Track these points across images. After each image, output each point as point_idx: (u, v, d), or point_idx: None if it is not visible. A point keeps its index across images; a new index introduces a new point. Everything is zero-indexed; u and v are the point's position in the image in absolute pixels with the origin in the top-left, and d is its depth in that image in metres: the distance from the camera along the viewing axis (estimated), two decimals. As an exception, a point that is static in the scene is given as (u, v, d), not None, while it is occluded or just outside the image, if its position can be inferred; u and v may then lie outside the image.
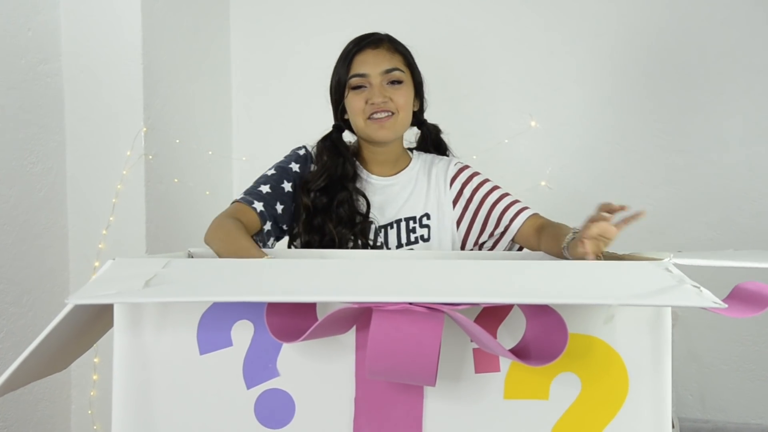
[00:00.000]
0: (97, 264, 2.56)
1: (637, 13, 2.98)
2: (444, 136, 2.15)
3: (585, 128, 3.05)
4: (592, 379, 1.04)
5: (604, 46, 3.02)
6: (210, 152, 3.04)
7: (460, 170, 2.01)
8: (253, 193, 1.87)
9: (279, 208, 1.88)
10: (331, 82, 1.98)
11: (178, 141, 2.79)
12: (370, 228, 1.92)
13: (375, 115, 1.88)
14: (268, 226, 1.85)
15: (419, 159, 2.06)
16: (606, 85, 3.03)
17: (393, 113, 1.89)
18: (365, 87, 1.89)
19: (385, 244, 1.93)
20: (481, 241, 1.97)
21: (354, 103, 1.90)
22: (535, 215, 1.91)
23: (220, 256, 1.63)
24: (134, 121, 2.57)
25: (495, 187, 1.98)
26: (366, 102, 1.88)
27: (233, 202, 1.86)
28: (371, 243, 1.90)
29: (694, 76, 2.93)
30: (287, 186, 1.91)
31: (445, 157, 2.09)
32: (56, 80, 2.55)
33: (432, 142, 2.12)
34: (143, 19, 2.57)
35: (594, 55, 3.03)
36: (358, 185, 1.96)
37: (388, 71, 1.89)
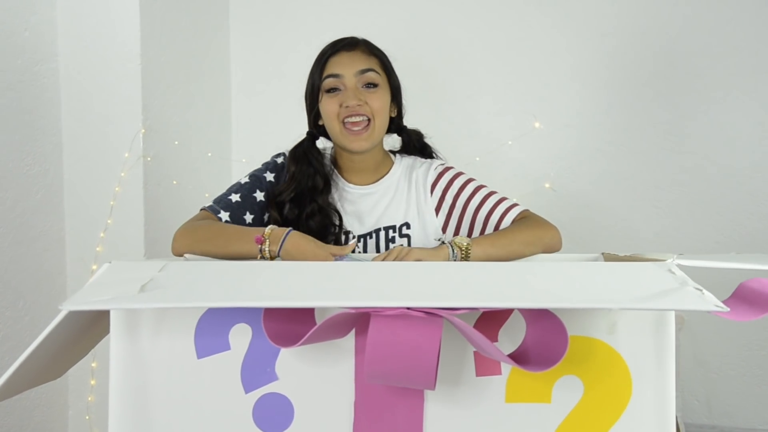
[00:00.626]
0: (94, 267, 2.56)
1: (641, 13, 2.98)
2: (429, 140, 2.10)
3: (590, 129, 3.04)
4: (594, 382, 1.04)
5: (609, 46, 3.01)
6: (209, 154, 3.05)
7: (440, 175, 1.96)
8: (221, 201, 1.85)
9: (248, 217, 1.85)
10: (306, 87, 1.95)
11: (176, 143, 2.80)
12: (343, 240, 1.90)
13: (349, 120, 1.85)
14: (248, 219, 1.85)
15: (401, 164, 2.03)
16: (611, 86, 3.02)
17: (369, 120, 1.86)
18: (339, 89, 1.86)
19: (364, 253, 1.90)
20: None
21: (328, 106, 1.87)
22: (525, 211, 1.87)
23: (211, 252, 1.65)
24: (132, 122, 2.57)
25: (478, 188, 1.93)
26: (340, 105, 1.84)
27: (201, 209, 1.84)
28: None
29: (701, 76, 2.93)
30: (259, 195, 1.89)
31: (426, 161, 2.04)
32: (53, 81, 2.56)
33: (415, 147, 2.08)
34: (141, 18, 2.57)
35: (599, 55, 3.03)
36: (334, 195, 1.94)
37: (363, 71, 1.86)
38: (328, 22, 3.22)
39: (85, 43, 2.58)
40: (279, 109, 3.26)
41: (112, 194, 2.57)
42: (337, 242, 1.88)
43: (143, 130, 2.57)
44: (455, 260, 1.62)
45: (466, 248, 1.64)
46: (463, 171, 1.99)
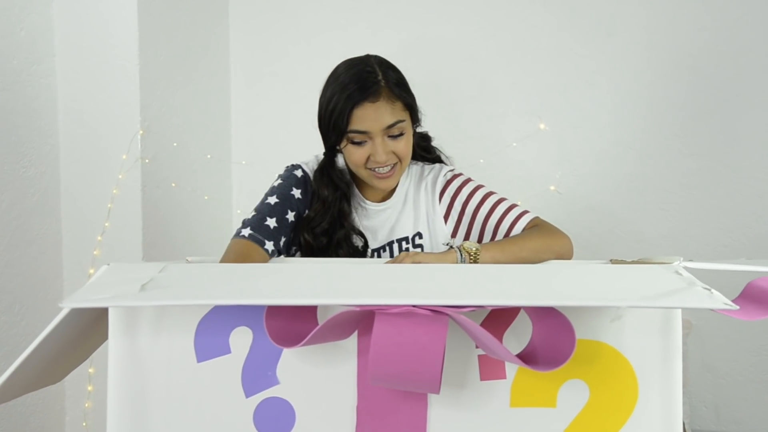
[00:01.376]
0: (91, 271, 2.57)
1: (649, 13, 2.98)
2: (435, 142, 2.09)
3: (596, 131, 3.04)
4: (600, 385, 1.05)
5: (616, 47, 3.01)
6: (208, 156, 3.05)
7: (449, 182, 1.95)
8: (260, 229, 1.80)
9: (282, 241, 1.84)
10: (323, 114, 1.87)
11: (175, 144, 2.80)
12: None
13: (377, 169, 1.83)
14: (270, 247, 1.82)
15: (410, 173, 2.02)
16: (618, 87, 3.02)
17: (396, 163, 1.84)
18: (366, 142, 1.81)
19: None
20: None
21: (355, 157, 1.83)
22: (536, 219, 1.85)
23: None
24: (130, 123, 2.58)
25: (488, 195, 1.91)
26: (368, 158, 1.82)
27: (237, 237, 1.79)
28: None
29: (709, 77, 2.93)
30: (291, 216, 1.87)
31: (435, 167, 2.03)
32: (50, 81, 2.57)
33: (421, 151, 2.06)
34: (139, 17, 2.57)
35: (606, 55, 3.03)
36: (354, 213, 1.94)
37: (390, 126, 1.80)
38: (330, 21, 3.22)
39: (82, 43, 2.58)
40: (280, 110, 3.26)
41: (110, 197, 2.57)
42: None
43: (141, 132, 2.57)
44: (470, 259, 1.63)
45: (475, 253, 1.63)
46: (472, 178, 1.98)
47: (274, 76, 3.30)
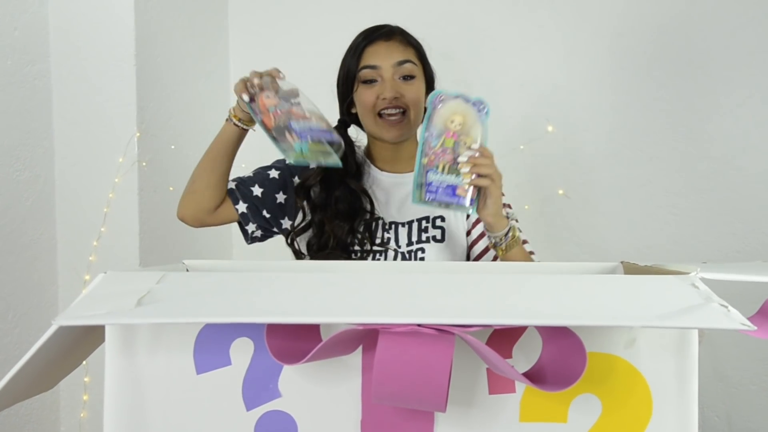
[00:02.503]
0: (87, 277, 2.56)
1: (658, 12, 2.98)
2: None
3: (605, 133, 3.04)
4: (613, 401, 1.04)
5: (625, 47, 3.01)
6: (207, 159, 3.04)
7: None
8: (244, 190, 1.96)
9: (258, 191, 1.93)
10: (339, 74, 2.00)
11: (173, 147, 2.80)
12: (374, 226, 1.94)
13: (385, 112, 1.90)
14: (242, 208, 1.92)
15: None
16: (628, 88, 3.02)
17: (404, 111, 1.91)
18: (376, 81, 1.91)
19: (396, 241, 1.94)
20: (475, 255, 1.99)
21: (364, 97, 1.92)
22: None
23: (204, 177, 1.88)
24: (127, 125, 2.58)
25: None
26: (377, 97, 1.90)
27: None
28: (376, 240, 1.92)
29: (722, 78, 2.93)
30: (273, 173, 1.97)
31: None
32: (44, 82, 2.56)
33: None
34: (136, 16, 2.58)
35: (614, 55, 3.02)
36: (366, 181, 1.99)
37: (401, 63, 1.91)
38: (332, 20, 3.22)
39: (78, 43, 2.58)
40: (280, 112, 3.25)
41: (106, 201, 2.57)
42: (367, 227, 1.93)
43: (138, 134, 2.57)
44: (504, 240, 1.74)
45: (516, 240, 1.75)
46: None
47: (275, 76, 3.30)
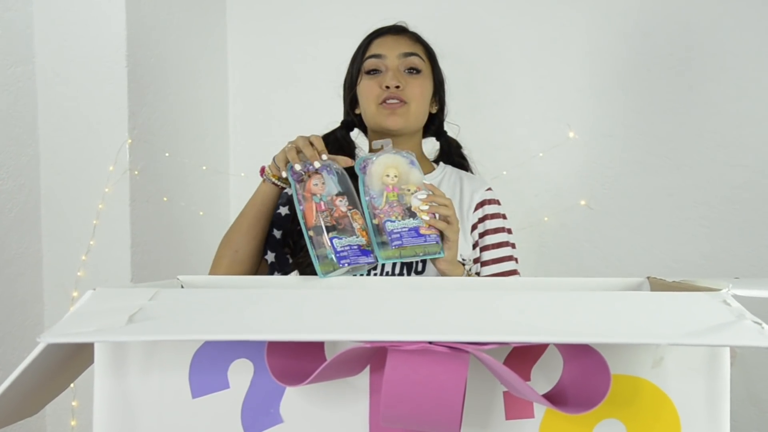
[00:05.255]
0: (75, 294, 2.56)
1: (690, 9, 2.97)
2: (465, 152, 2.17)
3: (630, 140, 3.04)
4: (638, 426, 1.03)
5: (653, 46, 3.01)
6: (204, 167, 3.05)
7: (490, 201, 2.02)
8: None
9: (277, 233, 1.93)
10: (346, 74, 2.04)
11: (167, 154, 2.80)
12: None
13: (387, 101, 1.91)
14: (271, 258, 1.92)
15: (444, 171, 2.08)
16: (654, 92, 3.02)
17: (406, 103, 1.92)
18: (380, 71, 1.94)
19: None
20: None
21: (367, 87, 1.94)
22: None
23: (241, 243, 1.83)
24: (118, 131, 2.58)
25: (503, 244, 1.99)
26: (380, 86, 1.91)
27: None
28: None
29: (755, 81, 2.92)
30: (283, 210, 1.96)
31: (476, 177, 2.11)
32: (29, 85, 2.57)
33: (453, 156, 2.14)
34: (128, 14, 2.58)
35: (641, 56, 3.02)
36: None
37: (407, 55, 1.95)
38: (334, 20, 3.23)
39: (65, 43, 2.59)
40: (282, 118, 3.26)
41: (95, 212, 2.57)
42: None
43: (130, 140, 2.58)
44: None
45: None
46: (506, 215, 2.05)
47: (275, 80, 3.31)
